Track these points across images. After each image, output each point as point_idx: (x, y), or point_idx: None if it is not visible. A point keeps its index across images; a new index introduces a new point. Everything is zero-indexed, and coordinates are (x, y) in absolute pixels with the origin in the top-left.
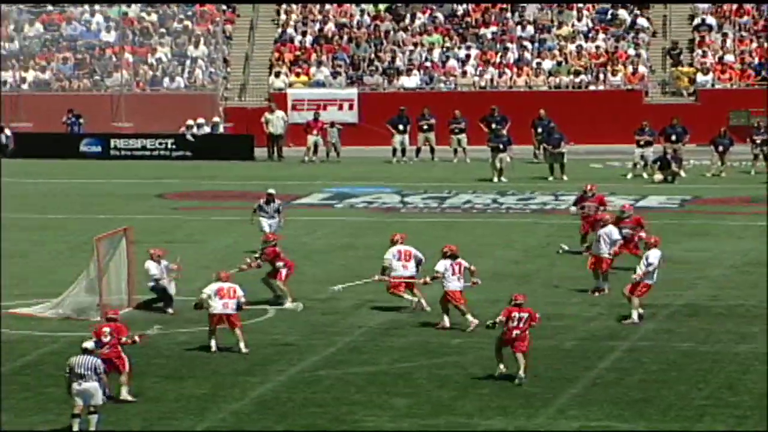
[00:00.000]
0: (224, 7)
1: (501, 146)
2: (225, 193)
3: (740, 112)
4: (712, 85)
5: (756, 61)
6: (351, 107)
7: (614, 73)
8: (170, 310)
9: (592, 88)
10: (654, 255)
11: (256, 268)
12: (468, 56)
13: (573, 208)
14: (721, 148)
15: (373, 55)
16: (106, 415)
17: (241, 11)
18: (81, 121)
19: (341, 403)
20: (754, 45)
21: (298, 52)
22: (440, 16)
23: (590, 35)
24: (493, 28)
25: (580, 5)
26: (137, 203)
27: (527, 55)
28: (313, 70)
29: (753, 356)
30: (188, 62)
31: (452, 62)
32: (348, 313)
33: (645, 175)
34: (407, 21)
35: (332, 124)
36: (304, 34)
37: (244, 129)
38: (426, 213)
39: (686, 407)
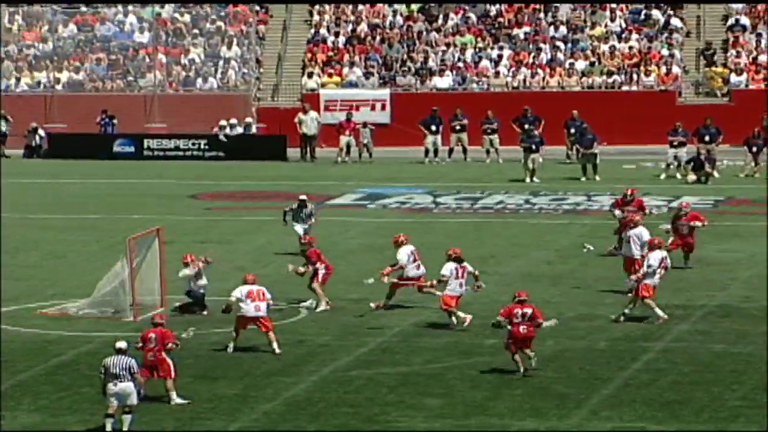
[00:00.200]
0: (257, 7)
1: (533, 147)
2: (258, 193)
3: None
4: (746, 85)
5: None
6: (383, 108)
7: (647, 73)
8: (205, 312)
9: (625, 88)
10: (655, 257)
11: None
12: (501, 57)
13: (618, 212)
14: (754, 149)
15: (405, 56)
16: (139, 415)
17: (274, 12)
18: (114, 121)
19: (374, 403)
20: None
21: (330, 53)
22: (473, 17)
23: (623, 35)
24: (526, 29)
25: (614, 5)
26: (170, 203)
27: (560, 56)
28: (345, 70)
29: None
30: (221, 63)
31: (485, 63)
32: (380, 313)
33: (678, 176)
34: (440, 21)
35: (365, 125)
36: (336, 34)
37: (276, 129)
38: (458, 213)
39: (720, 408)
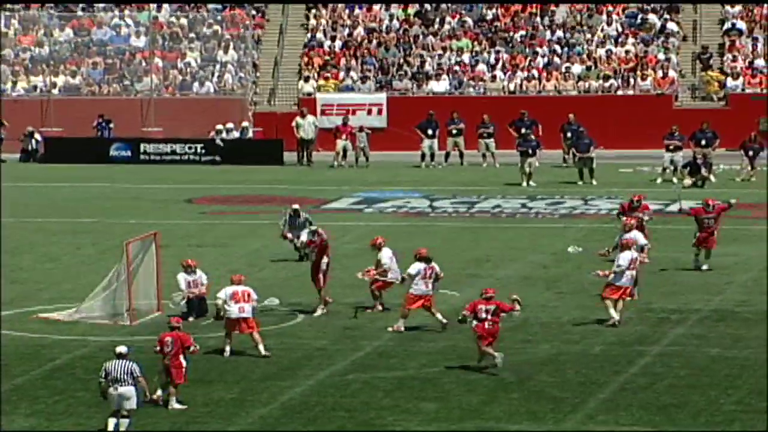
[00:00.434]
0: (254, 11)
1: (530, 150)
2: (254, 197)
3: None
4: (743, 89)
5: None
6: (380, 112)
7: (644, 77)
8: (191, 318)
9: (621, 92)
10: (625, 257)
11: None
12: (497, 60)
13: (625, 218)
14: (751, 153)
15: (402, 60)
16: (136, 418)
17: (271, 16)
18: (111, 125)
19: (370, 407)
20: None
21: (327, 57)
22: (469, 21)
23: (620, 39)
24: (522, 32)
25: (610, 9)
26: (166, 208)
27: (556, 60)
28: (342, 74)
29: None
30: (218, 67)
31: (481, 66)
32: (376, 317)
33: (674, 180)
34: (436, 25)
35: (361, 129)
36: (333, 38)
37: (273, 133)
38: (455, 217)
39: (716, 413)
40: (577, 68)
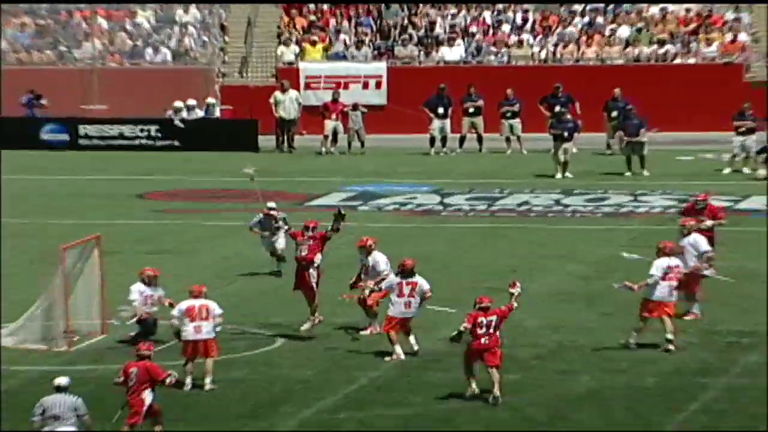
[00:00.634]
0: None
1: (566, 134)
2: (222, 192)
3: None
4: None
5: None
6: (378, 85)
7: (708, 42)
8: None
9: (679, 61)
10: (659, 265)
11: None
12: (525, 21)
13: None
14: None
15: (406, 21)
16: None
17: None
18: (43, 102)
19: None
20: None
21: (312, 17)
22: None
23: None
24: None
25: None
26: (112, 205)
27: (599, 20)
28: (331, 38)
29: None
30: (176, 29)
31: (505, 28)
32: (374, 341)
33: (746, 170)
34: None
35: (355, 107)
36: None
37: (245, 112)
38: (472, 217)
39: None
40: (624, 31)
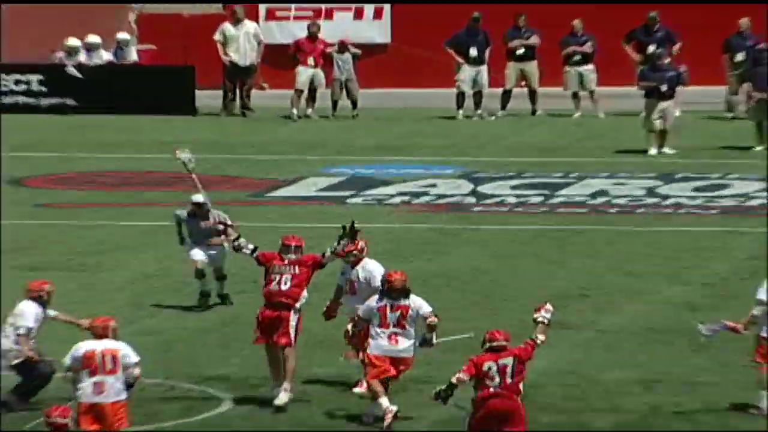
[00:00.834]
0: None
1: (664, 87)
2: (139, 175)
3: None
4: None
5: None
6: (378, 15)
7: None
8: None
9: None
10: (764, 290)
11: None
12: None
13: None
14: None
15: None
16: None
17: None
18: None
19: None
20: None
21: None
22: None
23: None
24: None
25: None
26: None
27: None
28: None
29: None
30: None
31: None
32: (361, 402)
33: None
34: None
35: (342, 47)
36: None
37: (177, 55)
38: (518, 214)
39: None
40: None
